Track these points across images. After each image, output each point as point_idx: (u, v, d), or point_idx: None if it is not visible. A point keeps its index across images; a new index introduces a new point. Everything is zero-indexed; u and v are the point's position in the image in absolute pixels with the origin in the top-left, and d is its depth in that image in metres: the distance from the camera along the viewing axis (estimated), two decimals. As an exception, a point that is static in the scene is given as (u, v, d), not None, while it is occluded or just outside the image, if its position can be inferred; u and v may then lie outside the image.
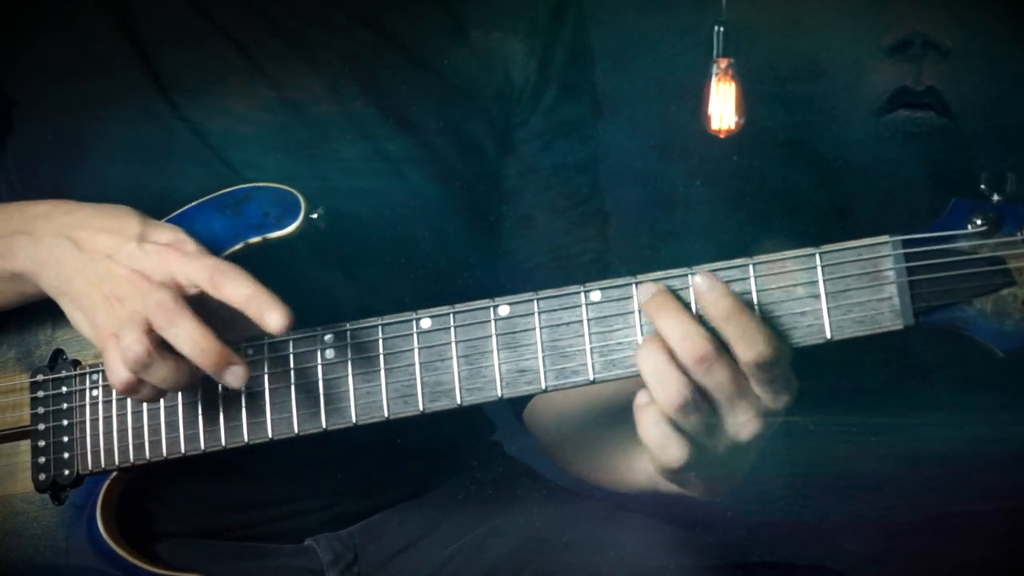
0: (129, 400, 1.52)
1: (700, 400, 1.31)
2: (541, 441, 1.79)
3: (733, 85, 4.35)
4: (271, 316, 1.39)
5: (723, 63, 4.34)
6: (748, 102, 4.42)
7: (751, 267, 1.33)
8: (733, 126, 4.38)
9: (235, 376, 1.40)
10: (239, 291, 1.39)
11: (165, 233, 1.45)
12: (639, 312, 1.36)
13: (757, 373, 1.31)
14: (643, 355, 1.32)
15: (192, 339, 1.38)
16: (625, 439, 1.53)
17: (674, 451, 1.33)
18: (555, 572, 1.61)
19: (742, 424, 1.33)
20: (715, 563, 1.55)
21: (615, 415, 1.57)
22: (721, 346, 1.31)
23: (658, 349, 1.31)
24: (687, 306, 1.33)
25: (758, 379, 1.31)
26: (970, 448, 5.07)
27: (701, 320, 1.32)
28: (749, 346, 1.30)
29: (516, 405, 1.79)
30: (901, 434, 5.35)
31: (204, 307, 1.41)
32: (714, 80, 4.35)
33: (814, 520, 4.42)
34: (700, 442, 1.34)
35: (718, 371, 1.30)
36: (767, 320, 1.33)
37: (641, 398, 1.34)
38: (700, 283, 1.32)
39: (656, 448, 1.34)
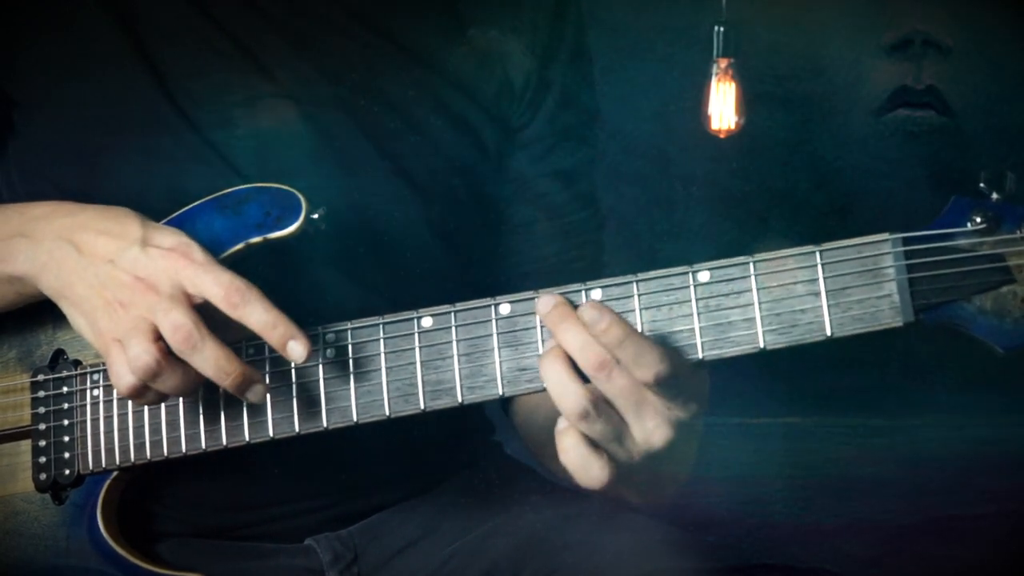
0: (130, 400, 1.52)
1: (605, 408, 1.33)
2: (522, 436, 1.79)
3: (733, 85, 4.35)
4: (294, 347, 1.41)
5: (723, 63, 4.33)
6: (748, 102, 4.42)
7: (751, 265, 1.34)
8: (733, 126, 4.38)
9: (256, 394, 1.43)
10: (259, 317, 1.40)
11: (167, 237, 1.45)
12: (640, 311, 1.37)
13: (658, 390, 1.33)
14: (545, 367, 1.34)
15: (216, 364, 1.40)
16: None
17: (596, 472, 1.35)
18: (555, 572, 1.61)
19: (651, 431, 1.35)
20: (715, 565, 1.56)
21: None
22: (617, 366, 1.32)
23: (559, 360, 1.33)
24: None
25: (660, 394, 1.33)
26: (970, 450, 5.06)
27: None
28: (644, 367, 1.31)
29: (504, 403, 1.80)
30: (901, 436, 5.34)
31: (202, 309, 1.42)
32: (714, 80, 4.35)
33: (813, 522, 4.41)
34: (615, 454, 1.35)
35: (618, 378, 1.32)
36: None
37: (560, 423, 1.35)
38: (587, 314, 1.33)
39: (578, 470, 1.36)
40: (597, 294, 1.38)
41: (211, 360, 1.40)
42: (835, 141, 5.93)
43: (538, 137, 1.77)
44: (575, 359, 1.33)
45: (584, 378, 1.34)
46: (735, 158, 5.69)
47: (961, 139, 5.85)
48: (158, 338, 1.40)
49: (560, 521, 1.70)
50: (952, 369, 5.62)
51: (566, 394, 1.33)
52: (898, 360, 5.67)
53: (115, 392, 1.51)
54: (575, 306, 1.36)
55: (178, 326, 1.39)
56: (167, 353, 1.40)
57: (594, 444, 1.34)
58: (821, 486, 4.57)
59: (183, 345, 1.39)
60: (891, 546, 4.20)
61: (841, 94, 5.90)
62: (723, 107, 4.37)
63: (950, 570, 4.01)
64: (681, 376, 1.33)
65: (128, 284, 1.42)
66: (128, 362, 1.40)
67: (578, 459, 1.35)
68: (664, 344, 1.34)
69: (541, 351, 1.40)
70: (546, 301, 1.36)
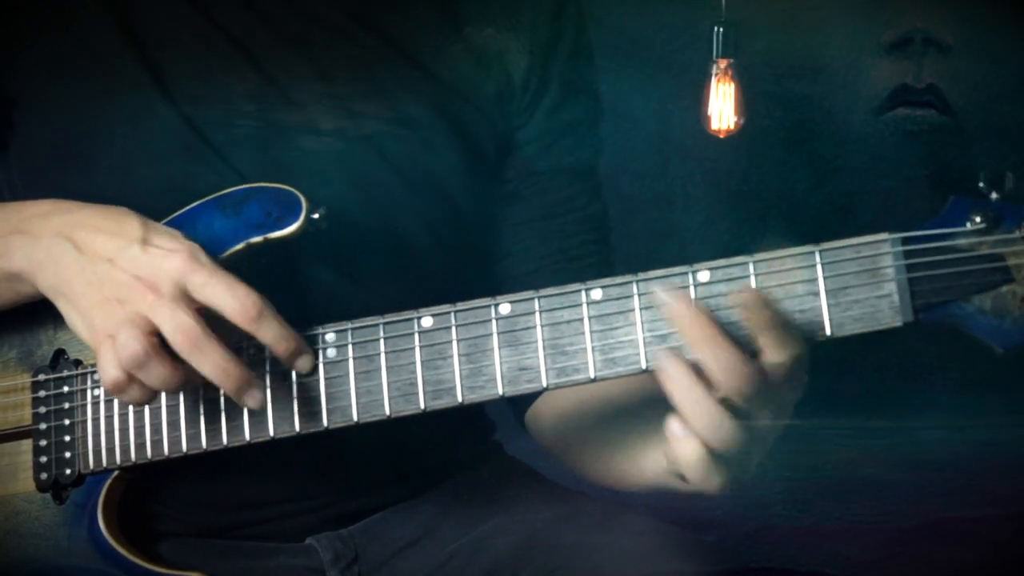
0: (116, 398, 1.52)
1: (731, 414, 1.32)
2: (544, 443, 1.78)
3: (733, 85, 4.35)
4: (302, 362, 1.43)
5: (723, 63, 4.34)
6: (747, 101, 4.42)
7: (751, 265, 1.34)
8: (733, 126, 4.38)
9: (254, 400, 1.42)
10: (274, 332, 1.41)
11: (166, 238, 1.45)
12: (640, 310, 1.37)
13: (785, 372, 1.31)
14: (679, 388, 1.31)
15: (219, 365, 1.40)
16: (631, 439, 1.53)
17: (717, 479, 1.34)
18: (555, 572, 1.61)
19: (767, 421, 1.34)
20: (714, 568, 1.56)
21: (619, 415, 1.58)
22: (751, 359, 1.30)
23: (694, 382, 1.31)
24: (720, 324, 1.31)
25: (785, 376, 1.32)
26: (971, 452, 5.06)
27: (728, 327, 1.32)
28: (784, 349, 1.30)
29: (516, 408, 1.80)
30: (901, 438, 5.33)
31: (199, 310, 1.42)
32: (714, 80, 4.35)
33: (813, 525, 4.40)
34: (731, 453, 1.34)
35: (755, 388, 1.31)
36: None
37: (675, 430, 1.33)
38: (746, 298, 1.31)
39: (700, 480, 1.35)
40: (597, 293, 1.38)
41: (213, 362, 1.40)
42: (834, 140, 5.94)
43: (538, 135, 1.76)
44: (714, 379, 1.30)
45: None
46: (734, 157, 5.70)
47: (961, 138, 5.85)
48: (151, 333, 1.40)
49: (560, 521, 1.70)
50: (952, 371, 5.63)
51: (704, 417, 1.31)
52: (898, 362, 5.67)
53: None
54: (582, 303, 1.36)
55: (183, 327, 1.39)
56: (157, 346, 1.40)
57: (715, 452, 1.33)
58: (820, 488, 4.57)
59: (186, 345, 1.39)
60: (891, 548, 4.20)
61: (840, 93, 5.91)
62: (723, 107, 4.37)
63: (950, 572, 4.01)
64: (804, 359, 1.32)
65: (127, 283, 1.42)
66: (115, 351, 1.40)
67: (702, 470, 1.34)
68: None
69: (540, 351, 1.40)
70: (680, 305, 1.32)
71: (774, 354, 1.31)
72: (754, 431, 1.35)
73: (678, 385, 1.32)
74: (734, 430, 1.31)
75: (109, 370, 1.41)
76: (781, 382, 1.32)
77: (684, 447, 1.33)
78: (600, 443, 1.63)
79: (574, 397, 1.67)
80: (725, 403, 1.31)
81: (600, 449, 1.63)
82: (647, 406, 1.52)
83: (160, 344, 1.40)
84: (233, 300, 1.40)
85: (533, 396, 1.75)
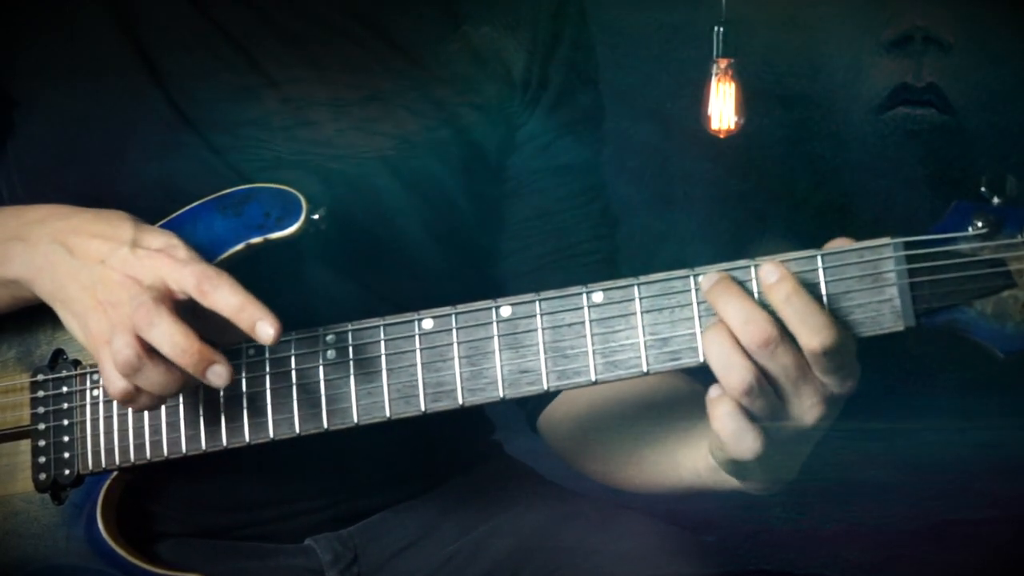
0: (125, 406, 1.51)
1: (766, 384, 1.31)
2: (560, 448, 1.77)
3: (733, 85, 4.34)
4: (262, 327, 1.39)
5: (723, 63, 4.33)
6: (747, 101, 4.41)
7: (752, 269, 1.34)
8: (733, 126, 4.37)
9: (217, 376, 1.39)
10: (228, 300, 1.39)
11: (158, 238, 1.45)
12: (641, 314, 1.37)
13: (822, 361, 1.30)
14: (708, 341, 1.32)
15: (172, 339, 1.37)
16: (665, 438, 1.54)
17: (749, 442, 1.33)
18: (555, 572, 1.61)
19: (807, 408, 1.33)
20: (713, 571, 1.55)
21: (651, 414, 1.58)
22: (784, 331, 1.30)
23: (723, 335, 1.31)
24: (749, 292, 1.33)
25: (823, 367, 1.31)
26: (971, 454, 5.05)
27: (765, 307, 1.32)
28: (812, 333, 1.29)
29: (528, 413, 1.80)
30: (901, 440, 5.33)
31: (199, 313, 1.41)
32: (714, 80, 4.34)
33: (812, 527, 4.40)
34: (769, 429, 1.33)
35: (782, 355, 1.30)
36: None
37: (713, 391, 1.34)
38: (765, 271, 1.32)
39: (731, 439, 1.34)
40: (598, 296, 1.38)
41: (167, 335, 1.37)
42: (834, 140, 5.93)
43: (538, 134, 1.76)
44: (737, 335, 1.31)
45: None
46: (733, 157, 5.69)
47: (962, 137, 5.84)
48: (139, 336, 1.40)
49: (560, 522, 1.70)
50: (953, 372, 5.62)
51: (731, 369, 1.31)
52: (898, 363, 5.66)
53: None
54: (583, 306, 1.36)
55: (139, 303, 1.38)
56: (149, 349, 1.39)
57: (749, 415, 1.33)
58: (820, 491, 4.56)
59: (141, 321, 1.38)
60: (891, 551, 4.20)
61: (840, 92, 5.90)
62: (723, 107, 4.36)
63: (950, 575, 4.01)
64: (843, 350, 1.31)
65: (117, 283, 1.42)
66: (112, 358, 1.40)
67: (732, 429, 1.33)
68: (835, 314, 1.31)
69: (541, 354, 1.39)
70: (710, 277, 1.34)
71: (804, 336, 1.30)
72: (799, 431, 1.35)
73: (708, 339, 1.32)
74: (759, 388, 1.31)
75: (114, 380, 1.41)
76: (826, 374, 1.32)
77: (718, 407, 1.33)
78: (629, 445, 1.63)
79: (596, 397, 1.67)
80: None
81: (629, 451, 1.63)
82: (682, 402, 1.52)
83: (152, 347, 1.40)
84: (190, 278, 1.40)
85: (545, 401, 1.75)
